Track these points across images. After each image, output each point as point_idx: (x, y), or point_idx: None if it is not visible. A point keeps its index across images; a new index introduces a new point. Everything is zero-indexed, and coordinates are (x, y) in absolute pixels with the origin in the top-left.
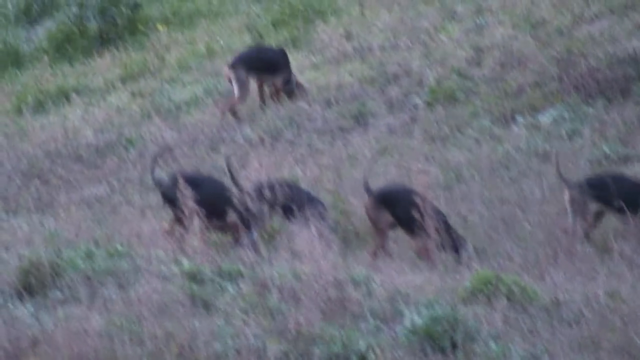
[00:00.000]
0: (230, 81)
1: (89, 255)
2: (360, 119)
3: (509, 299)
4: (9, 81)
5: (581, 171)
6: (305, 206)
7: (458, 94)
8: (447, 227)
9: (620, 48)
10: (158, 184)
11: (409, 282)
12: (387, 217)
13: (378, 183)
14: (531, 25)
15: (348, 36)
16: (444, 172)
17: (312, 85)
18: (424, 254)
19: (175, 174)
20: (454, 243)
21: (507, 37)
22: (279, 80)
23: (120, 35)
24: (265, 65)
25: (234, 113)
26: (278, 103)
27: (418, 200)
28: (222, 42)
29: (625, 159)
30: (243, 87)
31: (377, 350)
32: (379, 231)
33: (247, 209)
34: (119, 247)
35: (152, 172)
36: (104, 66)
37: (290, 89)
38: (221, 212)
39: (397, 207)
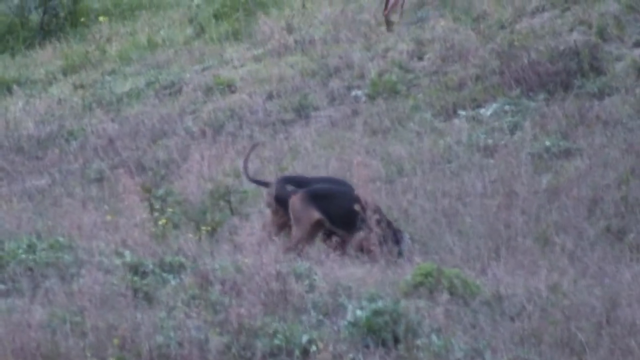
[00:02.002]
0: None
1: (31, 247)
2: (302, 112)
3: (450, 292)
4: None
5: (522, 165)
6: None
7: (399, 87)
8: (385, 221)
9: (561, 41)
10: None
11: (351, 276)
12: (314, 214)
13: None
14: (472, 18)
15: (289, 29)
16: (386, 165)
17: (254, 78)
18: (365, 250)
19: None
20: (394, 236)
21: (449, 30)
22: None
23: (62, 27)
24: None
25: None
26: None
27: (352, 196)
28: (163, 34)
29: (567, 153)
30: None
31: (319, 344)
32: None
33: None
34: (61, 239)
35: (245, 169)
36: (46, 58)
37: None
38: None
39: (328, 204)
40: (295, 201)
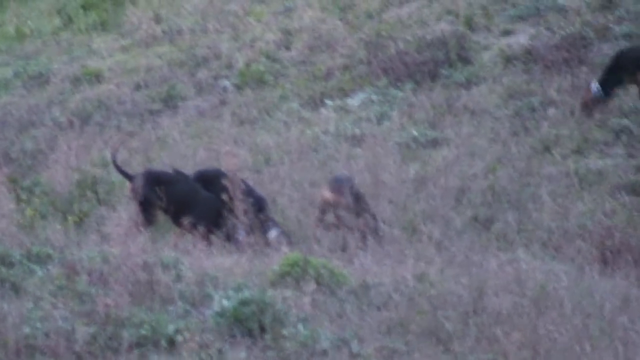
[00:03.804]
0: None
1: None
2: (170, 102)
3: (317, 282)
4: None
5: (390, 155)
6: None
7: (267, 77)
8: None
9: (429, 31)
10: None
11: (218, 266)
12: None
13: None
14: (340, 8)
15: (157, 19)
16: (253, 155)
17: (122, 68)
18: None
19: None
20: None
21: (316, 20)
22: None
23: None
24: None
25: None
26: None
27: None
28: (31, 25)
29: (434, 143)
30: None
31: (186, 334)
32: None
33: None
34: None
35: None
36: None
37: None
38: None
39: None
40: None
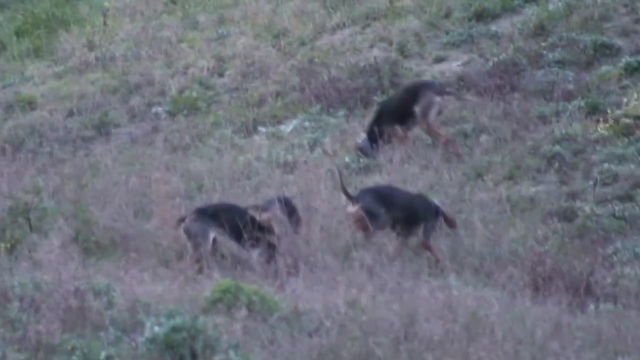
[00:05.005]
0: None
1: None
2: (103, 129)
3: (249, 308)
4: None
5: (322, 181)
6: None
7: (200, 104)
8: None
9: (361, 58)
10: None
11: (150, 292)
12: None
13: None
14: (273, 35)
15: (91, 46)
16: (186, 181)
17: (55, 95)
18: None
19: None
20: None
21: (249, 47)
22: None
23: None
24: None
25: None
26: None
27: None
28: None
29: (366, 169)
30: None
31: None
32: None
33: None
34: None
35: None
36: None
37: None
38: None
39: None
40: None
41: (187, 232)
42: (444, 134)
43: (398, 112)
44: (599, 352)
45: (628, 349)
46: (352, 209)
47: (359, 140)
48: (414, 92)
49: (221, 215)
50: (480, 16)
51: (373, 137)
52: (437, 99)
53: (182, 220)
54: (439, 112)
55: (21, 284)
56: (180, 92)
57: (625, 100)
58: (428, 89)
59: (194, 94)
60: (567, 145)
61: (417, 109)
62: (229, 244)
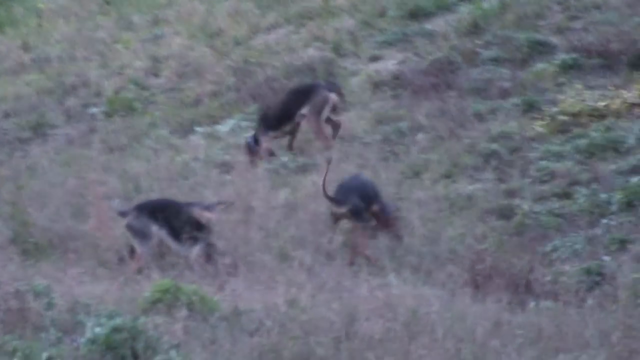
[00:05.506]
0: None
1: None
2: (39, 130)
3: (189, 308)
4: None
5: (259, 181)
6: None
7: (136, 105)
8: None
9: (297, 58)
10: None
11: (90, 293)
12: None
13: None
14: (208, 35)
15: (26, 47)
16: (123, 182)
17: None
18: None
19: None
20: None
21: (185, 47)
22: None
23: None
24: None
25: None
26: None
27: None
28: None
29: (303, 168)
30: None
31: None
32: None
33: None
34: None
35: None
36: None
37: None
38: None
39: None
40: None
41: (131, 229)
42: (328, 135)
43: (285, 113)
44: (539, 350)
45: (569, 346)
46: (340, 209)
47: (248, 139)
48: (306, 92)
49: (160, 211)
50: (415, 15)
51: (257, 137)
52: (332, 95)
53: (123, 214)
54: (333, 109)
55: None
56: (116, 92)
57: (561, 97)
58: (320, 87)
59: (130, 95)
60: (504, 143)
61: (308, 107)
62: (167, 241)
